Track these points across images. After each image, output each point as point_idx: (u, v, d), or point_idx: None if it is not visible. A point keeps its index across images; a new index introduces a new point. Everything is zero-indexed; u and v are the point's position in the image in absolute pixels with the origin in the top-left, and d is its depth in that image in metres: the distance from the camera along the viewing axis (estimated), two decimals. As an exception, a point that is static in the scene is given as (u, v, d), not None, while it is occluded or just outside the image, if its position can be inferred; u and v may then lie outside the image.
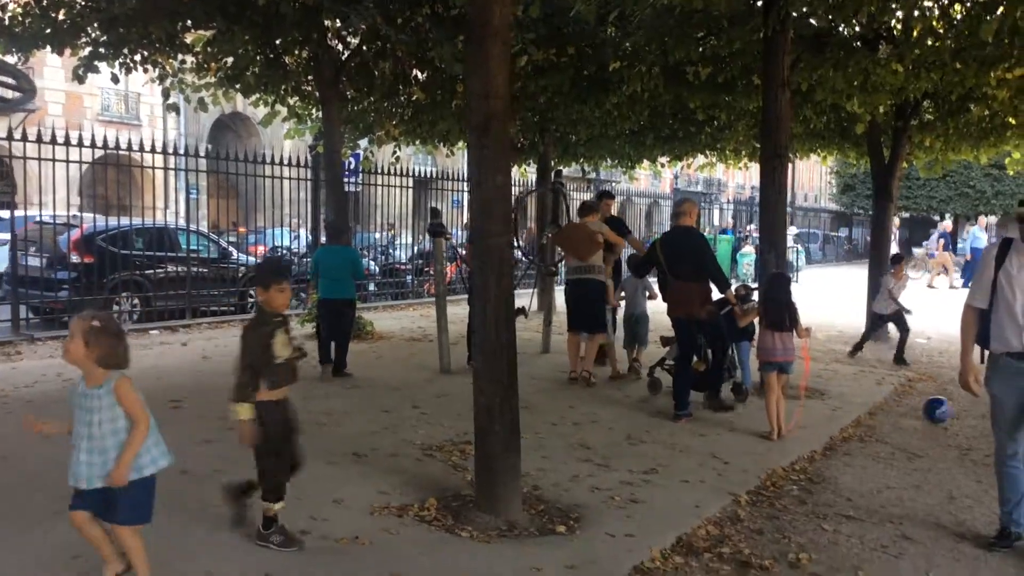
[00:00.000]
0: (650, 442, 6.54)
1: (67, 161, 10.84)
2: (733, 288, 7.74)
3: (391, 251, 18.18)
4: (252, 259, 14.77)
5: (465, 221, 16.24)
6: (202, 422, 6.39)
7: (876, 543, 4.69)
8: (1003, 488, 4.70)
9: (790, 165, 11.66)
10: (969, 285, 4.94)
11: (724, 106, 11.85)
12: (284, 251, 16.89)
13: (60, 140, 10.66)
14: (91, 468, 3.43)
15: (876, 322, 11.45)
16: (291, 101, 12.14)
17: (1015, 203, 33.19)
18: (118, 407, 3.45)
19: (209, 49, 10.39)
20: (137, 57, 10.38)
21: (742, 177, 48.59)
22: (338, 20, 9.80)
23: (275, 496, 4.14)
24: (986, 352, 4.82)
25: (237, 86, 11.17)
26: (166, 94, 11.24)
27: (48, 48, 9.72)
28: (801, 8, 8.24)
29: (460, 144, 14.00)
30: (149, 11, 8.76)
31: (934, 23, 8.75)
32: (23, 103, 15.80)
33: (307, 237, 16.09)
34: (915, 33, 8.95)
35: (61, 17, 9.31)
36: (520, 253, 14.68)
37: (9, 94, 11.86)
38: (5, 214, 13.50)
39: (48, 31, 9.37)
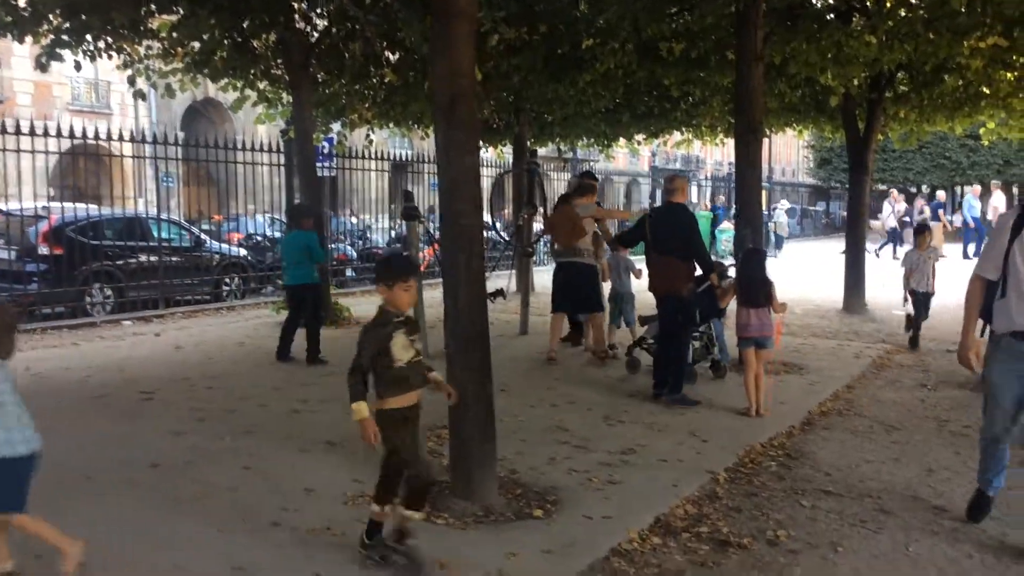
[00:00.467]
0: (628, 422, 6.50)
1: (33, 152, 10.66)
2: None
3: (368, 235, 18.05)
4: (228, 247, 14.61)
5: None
6: (173, 414, 6.30)
7: (855, 518, 4.66)
8: (986, 466, 4.55)
9: (766, 140, 11.63)
10: (974, 255, 4.66)
11: (698, 82, 11.78)
12: (260, 238, 16.75)
13: (27, 131, 10.46)
14: None
15: (921, 300, 10.09)
16: (261, 85, 11.95)
17: (991, 173, 33.33)
18: None
19: (174, 34, 10.18)
20: (101, 44, 10.18)
21: (720, 154, 48.59)
22: (304, 2, 9.64)
23: (383, 499, 3.85)
24: (988, 330, 4.51)
25: (205, 71, 10.99)
26: (132, 80, 11.04)
27: (9, 37, 9.51)
28: (773, -20, 8.18)
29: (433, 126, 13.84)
30: (110, -4, 8.58)
31: (906, -7, 8.72)
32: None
33: (283, 224, 15.93)
34: (887, 4, 8.91)
35: (22, 4, 9.10)
36: (497, 234, 14.61)
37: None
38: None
39: (9, 19, 9.16)
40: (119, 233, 12.59)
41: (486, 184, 13.34)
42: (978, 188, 23.98)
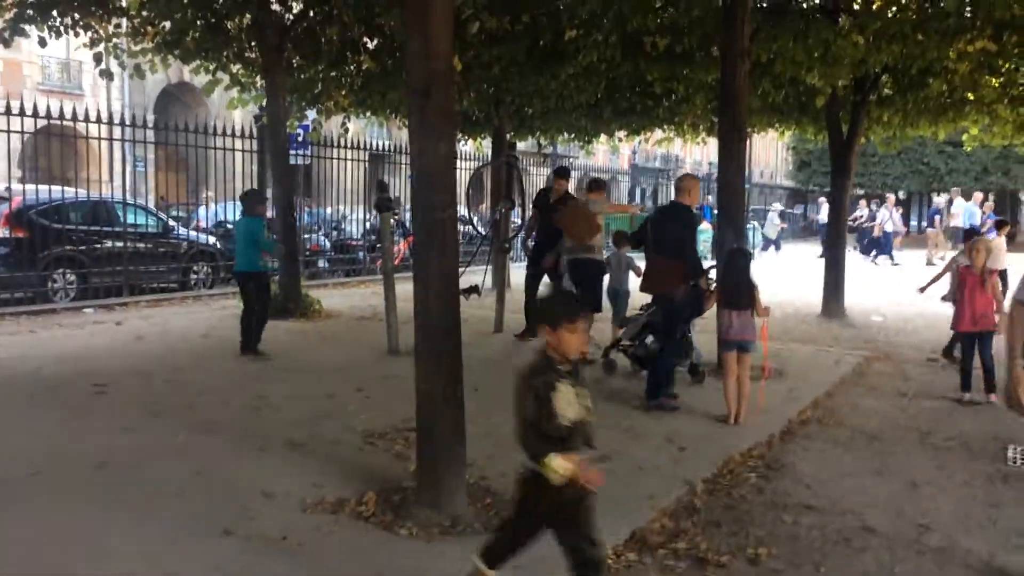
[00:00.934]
0: (604, 427, 6.21)
1: (7, 131, 10.34)
2: None
3: (343, 226, 17.70)
4: (196, 235, 14.23)
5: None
6: (125, 409, 6.00)
7: (838, 535, 4.46)
8: None
9: (748, 140, 11.43)
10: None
11: (682, 79, 11.58)
12: (231, 225, 16.34)
13: (-3, 110, 10.13)
14: None
15: None
16: (234, 69, 11.62)
17: (968, 180, 33.31)
18: None
19: (145, 13, 9.86)
20: (68, 20, 9.82)
21: (699, 153, 48.55)
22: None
23: (492, 560, 3.41)
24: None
25: (176, 52, 10.66)
26: (98, 59, 10.65)
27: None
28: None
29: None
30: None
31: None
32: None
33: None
34: (876, 3, 8.74)
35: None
36: (474, 228, 14.36)
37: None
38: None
39: (-31, -9, 8.81)
40: (84, 217, 12.21)
41: (464, 177, 13.08)
42: (979, 195, 23.62)
